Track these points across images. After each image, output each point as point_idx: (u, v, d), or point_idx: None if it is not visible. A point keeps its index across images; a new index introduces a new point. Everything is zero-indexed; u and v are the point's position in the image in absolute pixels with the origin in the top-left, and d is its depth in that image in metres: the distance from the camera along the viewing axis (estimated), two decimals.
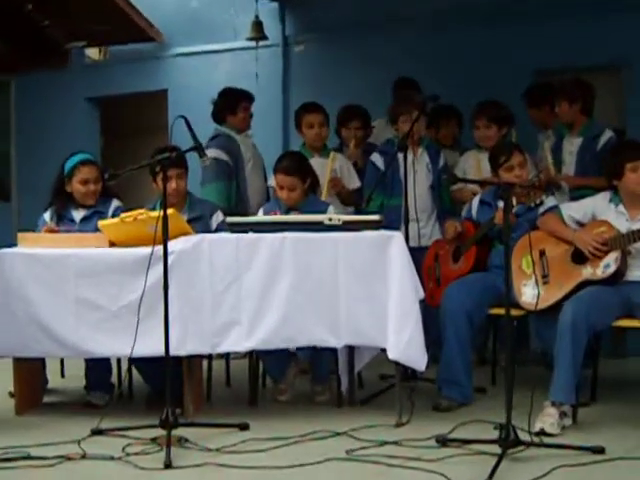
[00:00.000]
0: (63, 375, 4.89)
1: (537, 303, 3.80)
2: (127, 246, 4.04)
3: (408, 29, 6.49)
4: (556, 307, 3.86)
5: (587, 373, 4.01)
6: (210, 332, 3.93)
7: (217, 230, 4.39)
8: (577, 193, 4.74)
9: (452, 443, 3.48)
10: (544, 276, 4.04)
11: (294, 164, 4.48)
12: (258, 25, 6.77)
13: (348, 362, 4.19)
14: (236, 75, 6.91)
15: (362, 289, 3.91)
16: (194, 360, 4.05)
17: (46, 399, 4.45)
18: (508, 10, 6.13)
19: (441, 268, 4.69)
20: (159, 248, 3.63)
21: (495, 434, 3.30)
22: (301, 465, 3.31)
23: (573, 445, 3.37)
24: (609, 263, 3.88)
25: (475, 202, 4.63)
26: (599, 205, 4.09)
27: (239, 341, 3.94)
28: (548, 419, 3.62)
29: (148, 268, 3.71)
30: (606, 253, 3.90)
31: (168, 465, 3.32)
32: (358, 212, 5.08)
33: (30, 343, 3.99)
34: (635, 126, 5.66)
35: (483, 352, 5.11)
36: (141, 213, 4.00)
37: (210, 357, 4.45)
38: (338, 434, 3.70)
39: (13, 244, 4.22)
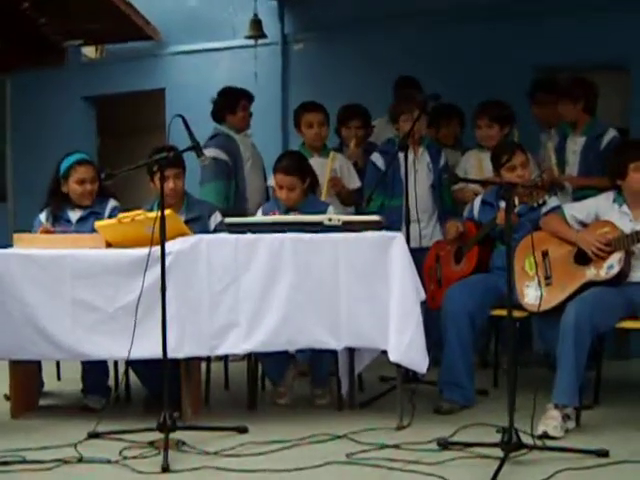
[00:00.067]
0: (59, 378, 4.86)
1: (540, 304, 3.78)
2: (124, 247, 4.01)
3: (408, 27, 6.47)
4: (559, 308, 3.84)
5: (590, 375, 3.97)
6: (208, 334, 3.90)
7: (215, 231, 4.36)
8: (580, 193, 4.71)
9: (453, 446, 3.45)
10: (547, 277, 4.01)
11: (294, 164, 4.45)
12: (257, 23, 6.75)
13: (348, 364, 4.16)
14: (235, 74, 6.88)
15: (363, 291, 3.88)
16: (192, 362, 4.02)
17: (42, 402, 4.42)
18: (510, 8, 6.11)
19: (442, 269, 4.66)
20: (156, 249, 3.61)
21: (497, 437, 3.28)
22: (301, 469, 3.28)
23: (576, 448, 3.35)
24: (613, 264, 3.86)
25: (477, 202, 4.61)
26: (602, 205, 4.07)
27: (237, 343, 3.91)
28: (551, 422, 3.59)
29: (145, 269, 3.67)
30: (609, 254, 3.88)
31: (166, 469, 3.29)
32: (358, 212, 5.06)
33: (26, 345, 3.95)
34: (639, 125, 5.63)
35: (485, 354, 5.09)
36: (138, 214, 3.98)
37: (208, 359, 4.41)
38: (338, 437, 3.68)
39: (9, 245, 4.18)
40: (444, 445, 3.46)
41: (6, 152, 8.14)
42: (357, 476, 3.24)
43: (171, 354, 3.64)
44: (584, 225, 4.08)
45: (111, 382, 4.39)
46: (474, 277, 4.35)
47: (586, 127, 4.90)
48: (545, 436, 3.52)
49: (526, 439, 3.31)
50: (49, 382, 4.61)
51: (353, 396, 4.22)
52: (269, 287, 3.89)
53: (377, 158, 5.02)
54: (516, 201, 3.45)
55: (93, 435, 3.69)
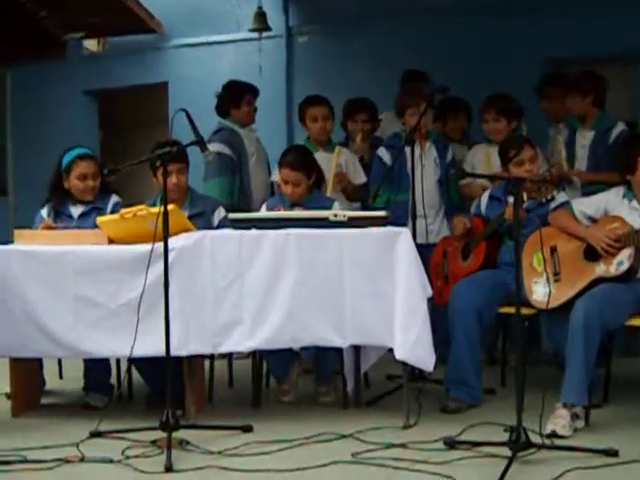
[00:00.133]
0: (61, 376, 4.83)
1: (548, 301, 3.73)
2: (126, 243, 3.97)
3: (413, 21, 6.42)
4: (568, 306, 3.80)
5: (600, 373, 3.93)
6: (212, 332, 3.86)
7: (219, 226, 4.33)
8: (589, 189, 4.68)
9: (461, 445, 3.43)
10: (555, 274, 3.97)
11: (299, 158, 4.41)
12: (261, 16, 6.71)
13: (354, 362, 4.12)
14: (239, 67, 6.85)
15: (368, 287, 3.84)
16: (195, 360, 3.99)
17: (44, 401, 4.39)
18: (515, 2, 6.05)
19: (449, 265, 4.62)
20: (159, 245, 3.57)
21: (505, 436, 3.25)
22: (306, 468, 3.26)
23: (585, 447, 3.32)
24: (622, 260, 3.82)
25: (484, 197, 4.58)
26: (612, 200, 4.03)
27: (241, 341, 3.87)
28: (560, 421, 3.55)
29: (148, 265, 3.64)
30: (619, 250, 3.84)
31: (169, 468, 3.27)
32: (364, 208, 5.01)
33: (27, 342, 3.92)
34: None
35: (492, 352, 5.05)
36: (141, 209, 3.94)
37: (212, 357, 4.38)
38: (344, 436, 3.65)
39: (9, 241, 4.15)
40: (451, 444, 3.44)
41: (7, 146, 8.12)
42: (363, 476, 3.22)
43: (174, 352, 3.60)
44: (593, 220, 4.04)
45: (113, 380, 4.35)
46: (482, 273, 4.31)
47: (595, 121, 4.86)
48: (554, 435, 3.49)
49: (534, 438, 3.28)
50: (51, 380, 4.58)
51: (359, 394, 4.18)
52: (273, 284, 3.86)
53: (383, 153, 4.97)
54: (524, 196, 3.44)
55: (95, 434, 3.66)
